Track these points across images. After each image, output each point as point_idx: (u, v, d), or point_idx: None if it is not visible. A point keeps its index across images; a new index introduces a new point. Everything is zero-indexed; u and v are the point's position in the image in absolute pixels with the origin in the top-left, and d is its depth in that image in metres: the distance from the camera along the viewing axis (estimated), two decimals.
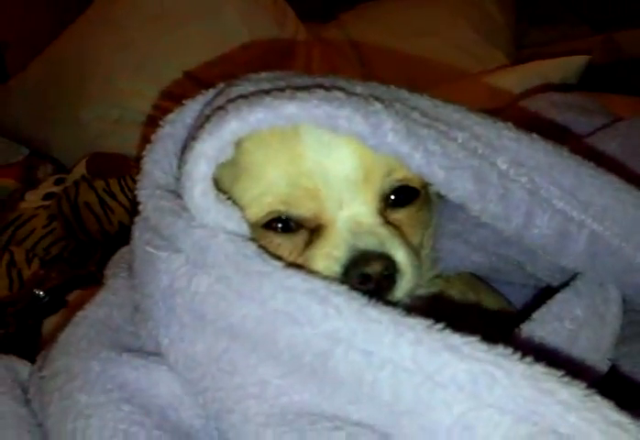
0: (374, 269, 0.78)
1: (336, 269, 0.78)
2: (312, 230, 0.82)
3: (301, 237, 0.82)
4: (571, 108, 1.41)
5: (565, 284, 0.88)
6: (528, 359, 0.61)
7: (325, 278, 0.73)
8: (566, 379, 0.60)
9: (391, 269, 0.79)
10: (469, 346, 0.62)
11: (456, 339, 0.63)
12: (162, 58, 2.30)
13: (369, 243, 0.79)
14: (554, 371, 0.60)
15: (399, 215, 0.85)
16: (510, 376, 0.59)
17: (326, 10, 2.99)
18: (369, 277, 0.78)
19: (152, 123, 2.04)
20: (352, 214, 0.81)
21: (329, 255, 0.79)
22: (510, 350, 0.62)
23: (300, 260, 0.81)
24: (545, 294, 0.95)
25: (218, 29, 2.36)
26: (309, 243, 0.82)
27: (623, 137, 1.19)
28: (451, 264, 1.02)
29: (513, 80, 2.17)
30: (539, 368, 0.60)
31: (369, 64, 2.60)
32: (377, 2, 2.96)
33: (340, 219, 0.81)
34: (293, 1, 2.71)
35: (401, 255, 0.80)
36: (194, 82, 2.15)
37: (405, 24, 2.73)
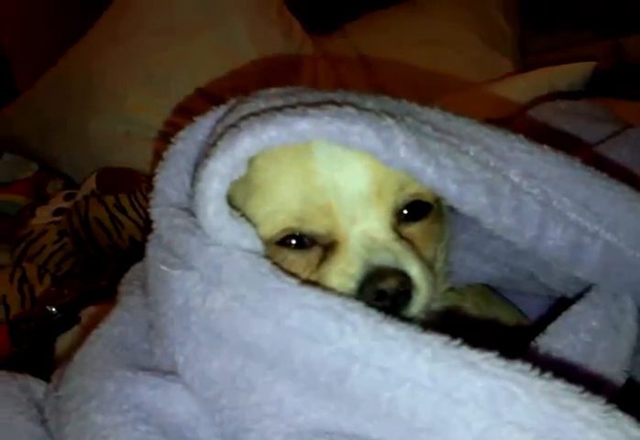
0: (390, 285, 0.77)
1: (351, 285, 0.78)
2: (325, 246, 0.81)
3: (314, 254, 0.82)
4: (579, 116, 1.41)
5: (579, 295, 0.88)
6: (547, 375, 0.61)
7: (340, 294, 0.73)
8: (586, 394, 0.60)
9: (406, 285, 0.78)
10: (487, 362, 0.62)
11: (473, 355, 0.62)
12: (169, 71, 2.30)
13: (383, 259, 0.79)
14: (573, 387, 0.60)
15: (412, 229, 0.84)
16: (529, 392, 0.59)
17: (331, 21, 3.00)
18: (384, 293, 0.77)
19: (164, 138, 2.05)
20: (365, 229, 0.80)
21: (344, 271, 0.79)
22: (528, 366, 0.62)
23: (314, 277, 0.81)
24: (559, 305, 0.95)
25: (225, 42, 2.36)
26: (323, 259, 0.81)
27: (634, 144, 1.19)
28: (463, 276, 1.02)
29: (521, 87, 2.17)
30: (559, 384, 0.60)
31: (375, 75, 2.60)
32: (382, 12, 2.96)
33: (354, 235, 0.80)
34: (298, 12, 2.71)
35: (415, 270, 0.79)
36: (205, 97, 2.15)
37: (410, 33, 2.72)
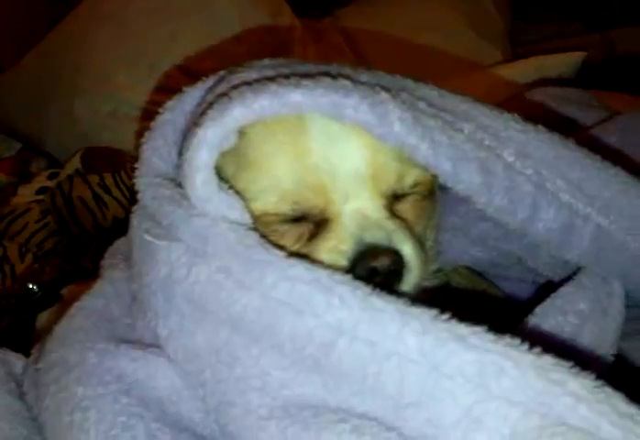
0: (382, 263, 0.76)
1: (342, 262, 0.77)
2: (317, 222, 0.80)
3: (306, 227, 0.81)
4: (570, 102, 1.41)
5: (566, 279, 0.87)
6: (537, 350, 0.60)
7: (328, 268, 0.72)
8: (575, 369, 0.59)
9: (398, 264, 0.77)
10: (476, 336, 0.61)
11: (462, 329, 0.61)
12: (156, 51, 2.27)
13: (376, 237, 0.78)
14: (563, 362, 0.59)
15: (404, 206, 0.84)
16: (518, 366, 0.58)
17: (322, 6, 2.98)
18: (376, 271, 0.76)
19: (148, 117, 2.02)
20: (358, 207, 0.79)
21: (335, 248, 0.78)
22: (518, 340, 0.61)
23: (304, 250, 0.79)
24: (545, 289, 0.94)
25: (213, 23, 2.32)
26: (314, 234, 0.80)
27: (623, 129, 1.19)
28: (450, 258, 1.01)
29: (510, 75, 2.17)
30: (548, 359, 0.59)
31: (364, 60, 2.58)
32: None
33: (346, 212, 0.79)
34: None
35: (408, 249, 0.79)
36: (188, 74, 2.13)
37: (401, 20, 2.72)
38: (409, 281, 0.79)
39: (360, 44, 2.66)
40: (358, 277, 0.69)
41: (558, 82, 2.03)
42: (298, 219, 0.80)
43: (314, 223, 0.80)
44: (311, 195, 0.79)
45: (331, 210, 0.79)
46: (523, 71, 2.19)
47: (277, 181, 0.79)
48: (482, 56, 2.67)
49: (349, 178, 0.78)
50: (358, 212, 0.79)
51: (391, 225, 0.79)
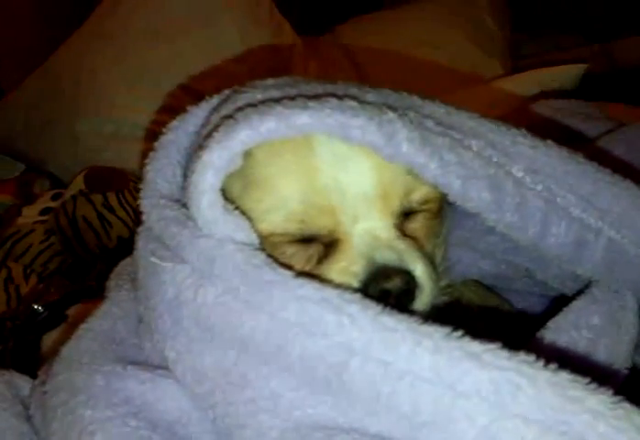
0: (395, 284, 0.76)
1: (354, 284, 0.76)
2: (326, 244, 0.80)
3: (315, 249, 0.80)
4: (574, 114, 1.40)
5: (577, 292, 0.86)
6: (552, 366, 0.59)
7: (338, 287, 0.71)
8: (592, 386, 0.58)
9: (410, 284, 0.77)
10: (490, 353, 0.60)
11: (476, 347, 0.60)
12: (158, 72, 2.28)
13: (387, 257, 0.77)
14: (580, 378, 0.58)
15: (414, 225, 0.83)
16: (534, 384, 0.57)
17: (322, 23, 2.99)
18: (388, 292, 0.75)
19: (152, 138, 2.03)
20: (368, 227, 0.78)
21: (346, 270, 0.77)
22: (533, 357, 0.60)
23: (314, 272, 0.78)
24: (556, 303, 0.93)
25: (214, 43, 2.33)
26: (323, 256, 0.79)
27: (629, 141, 1.18)
28: (458, 272, 1.00)
29: (512, 88, 2.16)
30: (565, 376, 0.58)
31: (365, 76, 2.59)
32: (372, 14, 2.96)
33: (356, 233, 0.78)
34: (289, 13, 2.70)
35: (420, 269, 0.78)
36: (192, 94, 2.13)
37: (401, 36, 2.72)
38: (422, 301, 0.78)
39: (361, 60, 2.67)
40: (370, 298, 0.68)
41: (560, 94, 2.03)
42: (306, 240, 0.79)
43: (324, 244, 0.80)
44: (319, 215, 0.78)
45: (340, 231, 0.79)
46: (524, 83, 2.18)
47: (283, 200, 0.78)
48: (483, 70, 2.67)
49: (358, 198, 0.77)
50: (367, 232, 0.78)
51: (401, 244, 0.79)
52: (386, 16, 2.92)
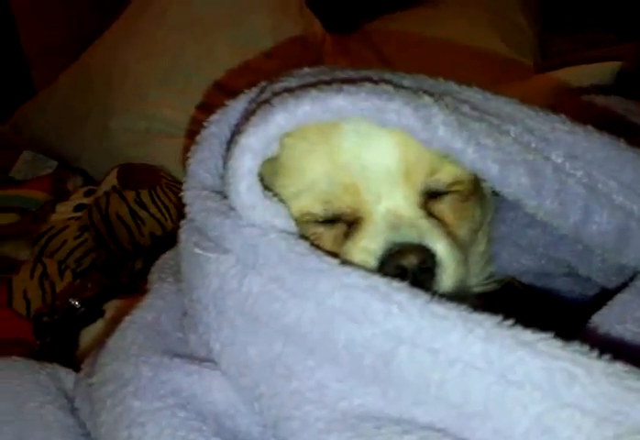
0: (410, 261, 0.75)
1: (371, 262, 0.75)
2: (349, 223, 0.79)
3: (340, 229, 0.80)
4: (615, 109, 1.38)
5: (621, 286, 0.85)
6: (607, 356, 0.58)
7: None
8: None
9: (428, 262, 0.75)
10: (544, 342, 0.58)
11: (529, 335, 0.59)
12: (190, 68, 2.28)
13: (406, 235, 0.76)
14: (635, 369, 0.57)
15: (442, 206, 0.82)
16: (590, 373, 0.56)
17: (351, 21, 2.98)
18: (404, 270, 0.74)
19: (192, 136, 2.04)
20: (391, 206, 0.78)
21: (365, 248, 0.76)
22: (587, 347, 0.59)
23: (341, 252, 0.78)
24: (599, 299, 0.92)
25: (246, 39, 2.33)
26: (347, 235, 0.79)
27: None
28: (498, 266, 0.99)
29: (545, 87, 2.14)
30: (620, 366, 0.57)
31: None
32: (401, 12, 2.94)
33: (378, 212, 0.78)
34: (319, 11, 2.69)
35: (441, 247, 0.77)
36: (226, 92, 2.14)
37: (430, 34, 2.70)
38: (444, 282, 0.77)
39: (390, 57, 2.65)
40: (387, 276, 0.67)
41: (595, 91, 2.00)
42: (332, 221, 0.79)
43: (347, 223, 0.79)
44: (343, 195, 0.78)
45: (364, 209, 0.78)
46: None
47: (311, 183, 0.78)
48: (514, 69, 2.64)
49: (381, 176, 0.77)
50: (390, 211, 0.78)
51: (424, 223, 0.78)
52: (415, 14, 2.90)
